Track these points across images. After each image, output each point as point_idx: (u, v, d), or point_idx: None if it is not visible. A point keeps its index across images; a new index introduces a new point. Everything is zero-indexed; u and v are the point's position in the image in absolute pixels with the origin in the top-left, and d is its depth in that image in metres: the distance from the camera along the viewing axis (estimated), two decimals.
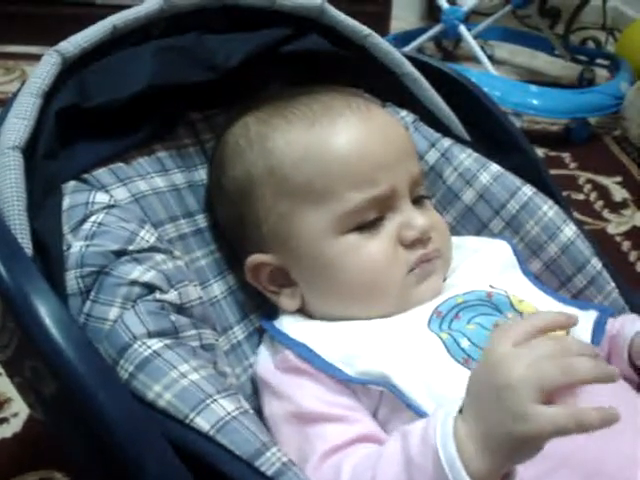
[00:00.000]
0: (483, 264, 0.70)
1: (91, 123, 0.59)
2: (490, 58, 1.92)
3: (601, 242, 0.77)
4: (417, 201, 0.66)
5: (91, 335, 0.52)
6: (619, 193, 1.52)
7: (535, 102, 1.67)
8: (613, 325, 0.67)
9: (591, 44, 2.21)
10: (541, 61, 2.25)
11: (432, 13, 2.43)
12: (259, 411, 0.61)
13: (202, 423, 0.49)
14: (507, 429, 0.45)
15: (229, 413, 0.50)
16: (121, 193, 0.60)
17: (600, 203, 1.47)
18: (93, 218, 0.56)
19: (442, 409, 0.50)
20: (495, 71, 1.79)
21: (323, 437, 0.56)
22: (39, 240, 0.53)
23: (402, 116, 0.79)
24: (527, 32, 2.25)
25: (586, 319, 0.65)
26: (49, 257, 0.53)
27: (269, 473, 0.48)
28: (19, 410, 0.89)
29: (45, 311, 0.48)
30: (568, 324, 0.50)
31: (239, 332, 0.67)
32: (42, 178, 0.55)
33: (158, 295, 0.54)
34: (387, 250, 0.62)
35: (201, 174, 0.69)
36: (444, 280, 0.67)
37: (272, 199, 0.63)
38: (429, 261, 0.64)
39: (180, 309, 0.56)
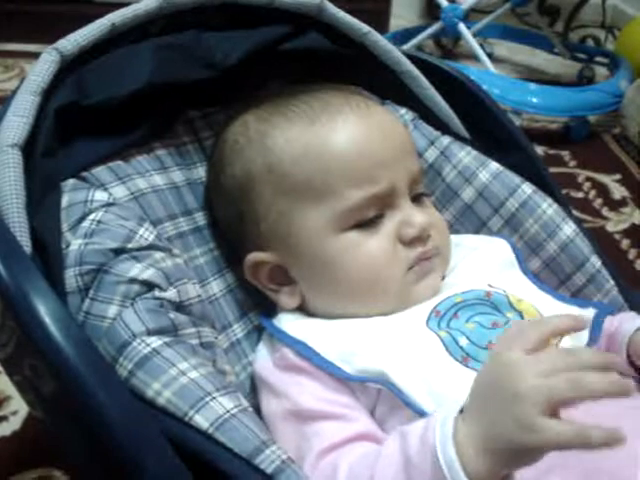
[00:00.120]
0: (482, 263, 0.70)
1: (90, 121, 0.59)
2: (489, 56, 1.92)
3: (600, 240, 0.77)
4: (416, 199, 0.66)
5: (90, 333, 0.52)
6: (618, 191, 1.52)
7: (534, 100, 1.67)
8: (612, 323, 0.67)
9: (590, 42, 2.22)
10: (540, 59, 2.25)
11: (431, 11, 2.43)
12: (258, 409, 0.61)
13: (201, 421, 0.49)
14: (511, 437, 0.44)
15: (228, 411, 0.50)
16: (120, 191, 0.60)
17: (599, 201, 1.47)
18: (92, 216, 0.56)
19: (442, 409, 0.49)
20: (494, 69, 1.79)
21: (321, 435, 0.56)
22: (38, 238, 0.53)
23: (401, 114, 0.79)
24: (526, 30, 2.25)
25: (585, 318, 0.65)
26: (48, 255, 0.53)
27: (268, 471, 0.48)
28: (18, 408, 0.89)
29: (44, 309, 0.48)
30: (579, 327, 0.50)
31: (238, 330, 0.67)
32: (41, 176, 0.55)
33: (157, 293, 0.55)
34: (386, 248, 0.62)
35: (200, 172, 0.69)
36: (443, 279, 0.67)
37: (271, 197, 0.63)
38: (428, 259, 0.64)
39: (179, 307, 0.56)
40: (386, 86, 0.77)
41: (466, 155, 0.78)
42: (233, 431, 0.49)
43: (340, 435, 0.55)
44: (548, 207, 0.74)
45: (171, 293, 0.56)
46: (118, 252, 0.55)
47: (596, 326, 0.64)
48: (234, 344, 0.66)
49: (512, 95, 1.65)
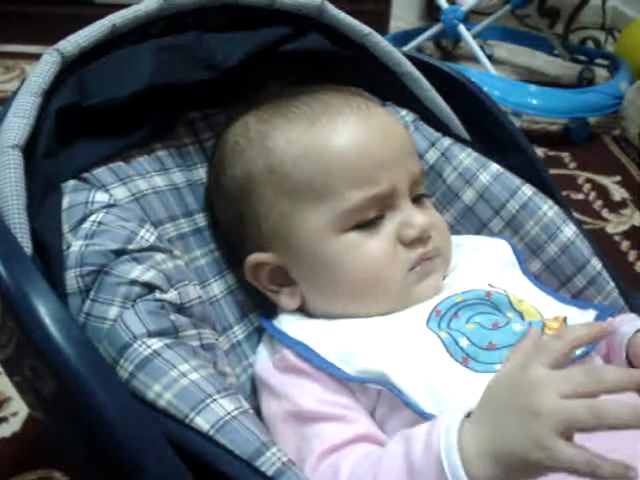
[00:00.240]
0: (482, 263, 0.70)
1: (91, 122, 0.59)
2: (489, 58, 1.93)
3: (600, 242, 0.77)
4: (417, 200, 0.66)
5: (91, 334, 0.51)
6: (618, 193, 1.52)
7: (534, 102, 1.68)
8: (611, 324, 0.67)
9: (590, 44, 2.22)
10: (540, 61, 2.26)
11: (431, 12, 2.44)
12: (259, 411, 0.61)
13: (202, 423, 0.49)
14: (521, 451, 0.44)
15: (229, 413, 0.50)
16: (121, 192, 0.60)
17: (599, 203, 1.47)
18: (93, 217, 0.56)
19: (447, 414, 0.49)
20: (494, 71, 1.79)
21: (321, 436, 0.56)
22: (39, 239, 0.53)
23: (402, 115, 0.79)
24: (526, 32, 2.25)
25: (586, 319, 0.65)
26: (49, 256, 0.53)
27: (269, 473, 0.48)
28: (18, 409, 0.89)
29: (45, 310, 0.48)
30: (603, 336, 0.50)
31: (239, 331, 0.67)
32: (42, 177, 0.55)
33: (158, 294, 0.54)
34: (387, 248, 0.62)
35: (200, 173, 0.69)
36: (443, 279, 0.67)
37: (272, 198, 0.63)
38: (429, 259, 0.64)
39: (180, 309, 0.56)
40: (387, 87, 0.77)
41: (467, 157, 0.78)
42: (234, 433, 0.49)
43: (341, 437, 0.55)
44: (549, 209, 0.74)
45: (172, 295, 0.55)
46: (119, 253, 0.55)
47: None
48: (234, 346, 0.66)
49: (512, 97, 1.66)
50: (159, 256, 0.57)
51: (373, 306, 0.63)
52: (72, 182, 0.58)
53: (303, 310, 0.66)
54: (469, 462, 0.46)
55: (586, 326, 0.50)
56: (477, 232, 0.77)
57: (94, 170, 0.59)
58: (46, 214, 0.54)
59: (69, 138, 0.58)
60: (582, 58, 2.12)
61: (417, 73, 0.77)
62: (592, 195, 1.50)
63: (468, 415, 0.49)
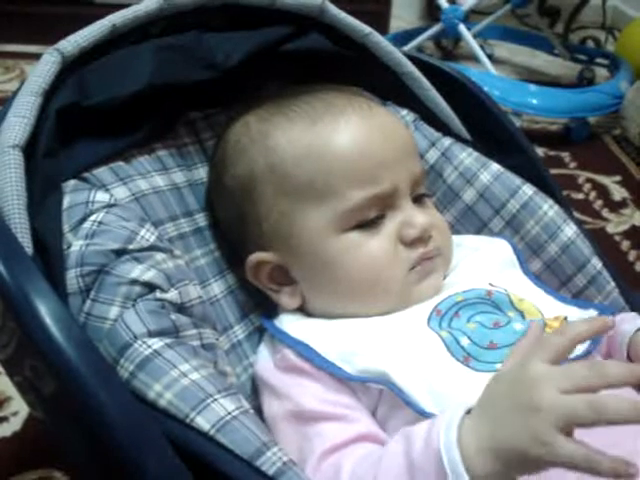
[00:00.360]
0: (483, 262, 0.70)
1: (91, 122, 0.59)
2: (490, 57, 1.93)
3: (600, 241, 0.77)
4: (418, 200, 0.66)
5: (91, 334, 0.51)
6: (618, 192, 1.52)
7: (534, 101, 1.68)
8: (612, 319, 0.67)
9: (591, 43, 2.22)
10: (541, 60, 2.26)
11: (432, 12, 2.44)
12: (260, 410, 0.61)
13: (202, 423, 0.49)
14: (521, 446, 0.44)
15: (229, 413, 0.50)
16: (121, 192, 0.60)
17: (599, 202, 1.47)
18: (93, 217, 0.56)
19: (446, 412, 0.49)
20: (495, 70, 1.79)
21: (322, 436, 0.56)
22: (39, 239, 0.53)
23: (402, 115, 0.79)
24: (527, 31, 2.25)
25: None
26: (49, 256, 0.53)
27: (270, 473, 0.48)
28: (19, 409, 0.89)
29: (45, 310, 0.48)
30: (604, 330, 0.49)
31: (239, 331, 0.67)
32: (42, 177, 0.55)
33: (158, 294, 0.54)
34: (388, 248, 0.62)
35: (201, 173, 0.69)
36: (444, 278, 0.67)
37: (273, 197, 0.63)
38: (430, 259, 0.64)
39: (180, 308, 0.56)
40: (387, 87, 0.77)
41: (467, 156, 0.78)
42: (234, 433, 0.49)
43: (342, 436, 0.55)
44: (549, 208, 0.74)
45: (172, 294, 0.55)
46: (119, 253, 0.55)
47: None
48: (235, 345, 0.66)
49: (512, 96, 1.66)
50: (159, 256, 0.57)
51: (373, 306, 0.63)
52: (72, 182, 0.58)
53: (304, 310, 0.66)
54: (469, 458, 0.46)
55: (587, 321, 0.50)
56: (477, 232, 0.77)
57: (94, 170, 0.59)
58: (46, 214, 0.54)
59: (69, 138, 0.58)
60: (582, 58, 2.12)
61: (417, 73, 0.77)
62: (592, 195, 1.50)
63: (468, 412, 0.49)
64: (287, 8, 0.69)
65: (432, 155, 0.79)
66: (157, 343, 0.52)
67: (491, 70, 1.78)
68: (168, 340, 0.52)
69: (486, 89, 0.82)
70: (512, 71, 2.19)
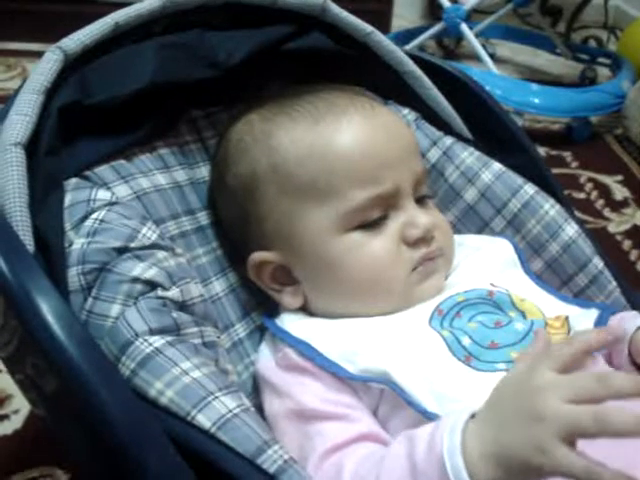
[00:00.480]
0: (484, 262, 0.70)
1: (93, 120, 0.59)
2: (492, 56, 1.92)
3: (602, 241, 0.77)
4: (420, 200, 0.66)
5: (93, 332, 0.52)
6: (620, 192, 1.52)
7: (536, 101, 1.67)
8: (613, 322, 0.67)
9: (593, 43, 2.22)
10: (543, 60, 2.25)
11: (433, 11, 2.43)
12: (260, 409, 0.61)
13: (204, 420, 0.49)
14: (524, 455, 0.44)
15: (230, 410, 0.50)
16: (123, 190, 0.60)
17: (601, 202, 1.47)
18: (95, 215, 0.56)
19: (450, 415, 0.49)
20: (496, 69, 1.79)
21: (324, 435, 0.56)
22: (41, 237, 0.53)
23: (404, 114, 0.79)
24: (529, 30, 2.25)
25: (587, 318, 0.65)
26: (51, 254, 0.53)
27: (271, 471, 0.48)
28: (20, 407, 0.90)
29: (47, 308, 0.48)
30: (613, 341, 0.49)
31: (240, 330, 0.67)
32: (44, 175, 0.55)
33: (160, 292, 0.55)
34: (390, 248, 0.62)
35: (203, 171, 0.69)
36: (446, 278, 0.67)
37: (275, 197, 0.63)
38: (432, 260, 0.64)
39: (182, 306, 0.56)
40: (389, 86, 0.77)
41: (469, 156, 0.78)
42: (235, 431, 0.49)
43: (343, 436, 0.55)
44: (550, 208, 0.74)
45: (174, 292, 0.56)
46: (121, 251, 0.55)
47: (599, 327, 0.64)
48: (236, 344, 0.66)
49: (514, 96, 1.65)
50: (161, 254, 0.57)
51: (375, 306, 0.63)
52: (74, 180, 0.58)
53: (305, 309, 0.66)
54: (472, 464, 0.46)
55: (595, 331, 0.50)
56: (479, 231, 0.77)
57: (96, 168, 0.59)
58: (48, 212, 0.54)
59: (71, 136, 0.58)
60: (584, 57, 2.12)
61: (419, 72, 0.77)
62: (594, 194, 1.50)
63: (473, 416, 0.48)
64: (289, 7, 0.69)
65: (433, 154, 0.79)
66: (158, 341, 0.52)
67: (493, 69, 1.78)
68: (169, 338, 0.53)
69: (488, 88, 0.82)
70: (514, 70, 2.19)
